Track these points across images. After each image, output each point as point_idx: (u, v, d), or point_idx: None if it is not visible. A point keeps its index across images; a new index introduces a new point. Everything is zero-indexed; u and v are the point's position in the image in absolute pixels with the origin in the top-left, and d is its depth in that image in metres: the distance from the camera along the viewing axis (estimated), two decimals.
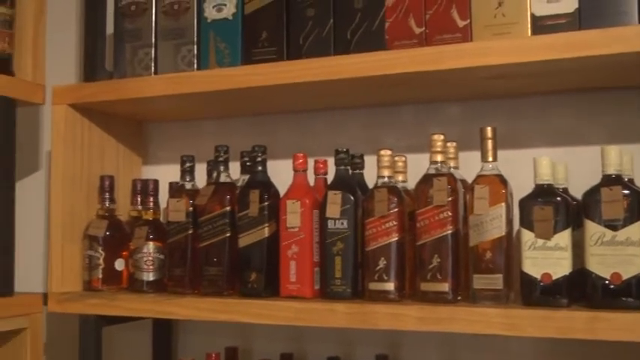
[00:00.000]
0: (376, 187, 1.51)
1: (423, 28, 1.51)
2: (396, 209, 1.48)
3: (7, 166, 1.79)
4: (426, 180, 1.47)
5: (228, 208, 1.61)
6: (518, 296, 1.42)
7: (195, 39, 1.70)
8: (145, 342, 2.00)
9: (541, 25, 1.42)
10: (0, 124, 1.78)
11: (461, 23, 1.48)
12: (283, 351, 1.77)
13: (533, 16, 1.43)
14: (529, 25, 1.43)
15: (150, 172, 2.05)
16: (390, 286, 1.47)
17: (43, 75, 1.91)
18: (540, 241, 1.37)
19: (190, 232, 1.66)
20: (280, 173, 1.67)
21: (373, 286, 1.48)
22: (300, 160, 1.59)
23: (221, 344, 1.80)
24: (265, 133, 1.91)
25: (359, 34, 1.55)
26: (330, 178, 1.64)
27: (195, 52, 1.70)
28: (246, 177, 1.68)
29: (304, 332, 1.83)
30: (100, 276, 1.77)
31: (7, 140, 1.79)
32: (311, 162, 1.63)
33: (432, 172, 1.47)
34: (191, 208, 1.66)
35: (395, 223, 1.47)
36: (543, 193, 1.40)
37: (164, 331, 1.97)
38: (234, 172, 1.71)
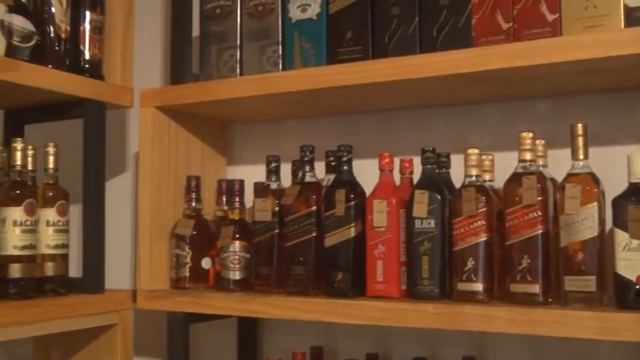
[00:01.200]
0: (464, 186, 1.49)
1: (511, 24, 1.47)
2: (484, 209, 1.45)
3: (98, 168, 1.84)
4: (515, 179, 1.44)
5: (314, 208, 1.61)
6: (611, 299, 1.37)
7: (280, 39, 1.71)
8: (230, 340, 2.02)
9: (635, 17, 1.37)
10: (91, 126, 1.83)
11: (550, 17, 1.44)
12: (368, 351, 1.76)
13: (626, 7, 1.38)
14: (622, 17, 1.38)
15: (234, 172, 2.07)
16: (479, 286, 1.44)
17: (131, 79, 1.95)
18: (635, 242, 1.33)
19: (276, 231, 1.67)
20: (364, 173, 1.66)
21: (461, 286, 1.46)
22: (387, 160, 1.58)
23: (305, 343, 1.81)
24: (348, 133, 1.90)
25: (445, 32, 1.54)
26: (415, 177, 1.63)
27: (280, 52, 1.71)
28: (331, 176, 1.69)
29: (389, 332, 1.82)
30: (187, 274, 1.80)
31: (97, 142, 1.83)
32: (395, 161, 1.62)
33: (521, 170, 1.44)
34: (277, 208, 1.67)
35: (483, 222, 1.45)
36: (638, 191, 1.35)
37: (249, 329, 1.99)
38: (319, 171, 1.71)
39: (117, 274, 1.98)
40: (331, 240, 1.58)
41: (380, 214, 1.54)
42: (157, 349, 2.12)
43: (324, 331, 1.90)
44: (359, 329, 1.77)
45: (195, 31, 1.88)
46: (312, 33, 1.67)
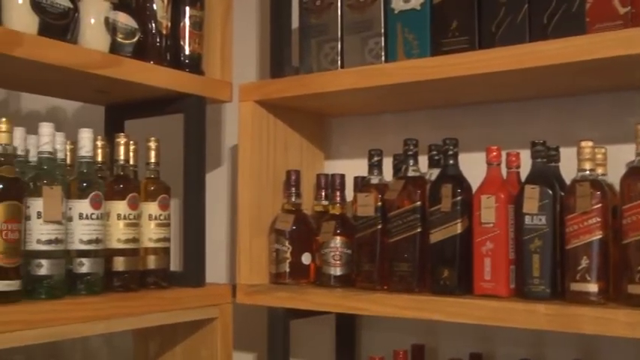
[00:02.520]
0: (577, 180, 1.42)
1: (629, 8, 1.39)
2: (599, 205, 1.38)
3: (199, 162, 1.84)
4: (634, 173, 1.36)
5: (418, 203, 1.57)
6: None
7: (383, 31, 1.67)
8: (328, 337, 2.00)
9: None
10: (192, 121, 1.84)
11: None
12: (470, 350, 1.71)
13: None
14: None
15: (332, 166, 2.05)
16: (594, 287, 1.38)
17: (230, 73, 1.95)
18: None
19: (379, 227, 1.64)
20: (465, 167, 1.60)
21: (575, 286, 1.39)
22: (494, 153, 1.52)
23: (404, 341, 1.77)
24: (449, 126, 1.85)
25: (556, 18, 1.47)
26: (522, 171, 1.57)
27: (383, 44, 1.67)
28: (434, 171, 1.64)
29: (491, 332, 1.76)
30: (287, 269, 1.79)
31: (198, 137, 1.84)
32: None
33: None
34: (379, 203, 1.63)
35: (598, 219, 1.38)
36: None
37: (347, 326, 1.96)
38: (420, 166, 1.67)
39: (213, 267, 1.98)
40: (437, 236, 1.54)
41: (488, 210, 1.48)
42: (256, 343, 2.13)
43: (424, 329, 1.86)
44: (460, 328, 1.72)
45: (294, 24, 1.86)
46: (415, 23, 1.63)
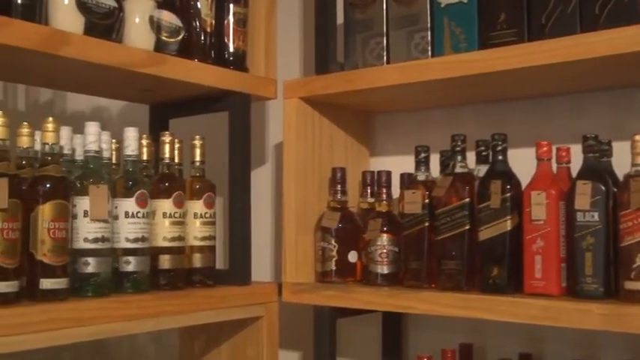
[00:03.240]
0: (631, 175, 1.38)
1: None
2: None
3: (244, 160, 1.84)
4: None
5: (467, 200, 1.54)
6: None
7: (429, 25, 1.65)
8: (374, 335, 1.98)
9: None
10: (237, 119, 1.83)
11: None
12: (519, 350, 1.68)
13: None
14: None
15: (377, 163, 2.03)
16: None
17: (274, 70, 1.94)
18: None
19: (426, 224, 1.61)
20: (514, 163, 1.57)
21: (629, 285, 1.35)
22: (545, 148, 1.49)
23: (451, 340, 1.74)
24: (495, 121, 1.82)
25: (608, 8, 1.42)
26: (572, 167, 1.53)
27: (429, 38, 1.65)
28: (482, 167, 1.61)
29: (540, 331, 1.72)
30: (334, 268, 1.77)
31: (243, 135, 1.83)
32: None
33: None
34: (427, 200, 1.61)
35: None
36: None
37: (394, 325, 1.94)
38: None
39: (256, 266, 1.97)
40: (486, 233, 1.51)
41: (538, 207, 1.45)
42: (300, 342, 2.12)
43: (472, 328, 1.82)
44: (507, 327, 1.68)
45: (338, 20, 1.85)
46: (462, 17, 1.60)
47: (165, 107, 2.01)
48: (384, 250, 1.70)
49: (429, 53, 1.64)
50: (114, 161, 1.72)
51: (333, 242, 1.77)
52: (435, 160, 1.73)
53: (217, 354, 1.94)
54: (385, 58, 1.72)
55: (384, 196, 1.76)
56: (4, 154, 1.38)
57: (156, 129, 1.94)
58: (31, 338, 1.34)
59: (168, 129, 1.97)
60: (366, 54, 1.75)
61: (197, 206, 1.76)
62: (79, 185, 1.51)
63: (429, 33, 1.65)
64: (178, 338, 2.07)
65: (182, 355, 2.06)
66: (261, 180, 2.26)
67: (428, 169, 1.68)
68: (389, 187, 1.76)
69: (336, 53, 1.83)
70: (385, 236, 1.71)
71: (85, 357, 2.08)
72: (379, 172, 1.79)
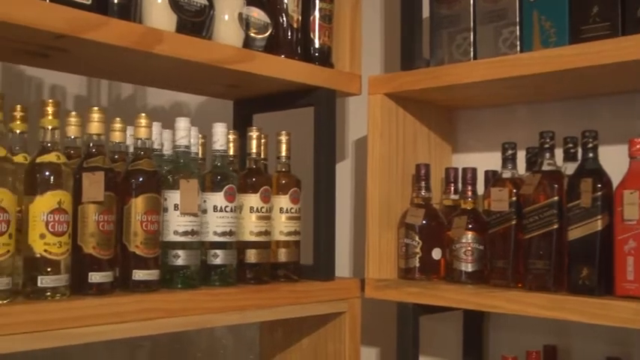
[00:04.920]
0: None
1: None
2: None
3: (329, 155, 1.84)
4: None
5: (556, 198, 1.51)
6: None
7: (518, 20, 1.62)
8: (455, 334, 1.97)
9: None
10: (322, 114, 1.83)
11: None
12: (606, 354, 1.64)
13: None
14: None
15: (459, 160, 2.01)
16: None
17: (359, 66, 1.94)
18: None
19: (514, 222, 1.59)
20: (603, 161, 1.53)
21: None
22: (639, 146, 1.44)
23: (534, 341, 1.72)
24: (583, 117, 1.78)
25: None
26: None
27: (518, 33, 1.62)
28: (569, 164, 1.57)
29: (629, 335, 1.67)
30: (417, 264, 1.77)
31: (328, 130, 1.83)
32: None
33: None
34: (514, 198, 1.59)
35: None
36: None
37: (475, 324, 1.92)
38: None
39: (337, 261, 1.98)
40: (575, 233, 1.48)
41: (631, 207, 1.41)
42: (380, 338, 2.12)
43: (554, 330, 1.79)
44: (593, 329, 1.65)
45: (424, 15, 1.84)
46: (553, 11, 1.57)
47: (250, 102, 2.04)
48: (469, 248, 1.69)
49: (518, 48, 1.62)
50: (200, 156, 1.76)
51: (417, 239, 1.77)
52: (519, 157, 1.70)
53: (299, 348, 1.96)
54: (472, 53, 1.70)
55: (470, 193, 1.74)
56: (100, 149, 1.43)
57: (240, 124, 1.97)
58: (125, 327, 1.38)
59: (252, 124, 1.99)
60: (452, 50, 1.73)
61: (283, 201, 1.78)
62: (170, 179, 1.55)
63: (518, 28, 1.62)
64: (259, 330, 2.09)
65: (262, 347, 2.08)
66: (341, 176, 2.26)
67: (515, 166, 1.65)
68: (474, 184, 1.75)
69: (422, 49, 1.82)
70: (470, 234, 1.69)
71: (163, 346, 2.12)
72: (464, 169, 1.77)
